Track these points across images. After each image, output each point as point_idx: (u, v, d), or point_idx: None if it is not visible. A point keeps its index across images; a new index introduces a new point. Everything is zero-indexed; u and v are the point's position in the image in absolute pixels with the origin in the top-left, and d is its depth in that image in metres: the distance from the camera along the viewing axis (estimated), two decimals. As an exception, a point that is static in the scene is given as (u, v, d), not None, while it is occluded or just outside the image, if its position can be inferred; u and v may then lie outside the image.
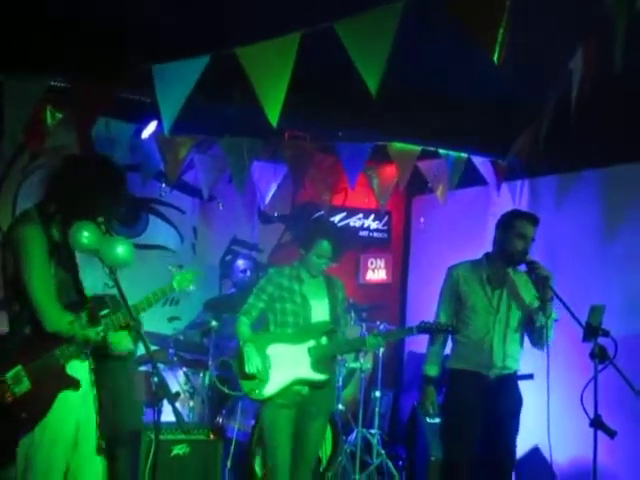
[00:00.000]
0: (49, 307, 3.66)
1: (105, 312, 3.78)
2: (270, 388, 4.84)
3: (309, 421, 4.95)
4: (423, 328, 4.94)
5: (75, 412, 3.75)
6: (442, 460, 5.12)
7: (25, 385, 3.63)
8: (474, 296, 4.91)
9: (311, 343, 4.90)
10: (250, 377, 4.84)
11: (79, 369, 3.77)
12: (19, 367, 3.62)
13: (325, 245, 4.86)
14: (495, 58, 3.96)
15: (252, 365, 4.82)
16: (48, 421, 3.65)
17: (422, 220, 7.70)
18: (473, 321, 4.89)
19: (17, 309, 3.73)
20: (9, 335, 3.75)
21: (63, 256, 3.82)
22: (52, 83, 5.34)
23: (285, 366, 4.85)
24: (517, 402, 4.93)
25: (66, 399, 3.70)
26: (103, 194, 3.80)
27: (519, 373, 5.00)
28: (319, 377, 4.90)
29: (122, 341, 3.80)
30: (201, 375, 6.52)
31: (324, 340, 4.92)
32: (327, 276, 5.07)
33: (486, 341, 4.84)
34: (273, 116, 4.53)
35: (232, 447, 5.81)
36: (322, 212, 7.75)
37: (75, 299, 3.85)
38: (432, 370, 4.97)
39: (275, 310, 4.96)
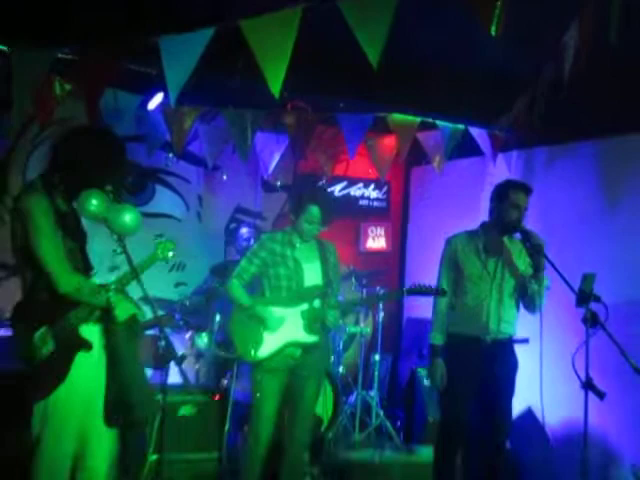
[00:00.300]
0: (61, 269, 3.66)
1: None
2: (264, 350, 4.82)
3: (302, 383, 4.92)
4: (412, 290, 4.95)
5: (89, 380, 3.76)
6: (439, 421, 5.14)
7: (50, 346, 3.66)
8: (471, 265, 4.91)
9: (304, 306, 4.88)
10: (245, 341, 4.84)
11: (91, 333, 3.77)
12: (44, 328, 3.65)
13: (315, 211, 4.82)
14: (492, 31, 3.93)
15: (274, 322, 4.82)
16: (63, 389, 3.67)
17: (224, 176, 7.57)
18: (470, 289, 4.89)
19: (29, 277, 3.74)
20: (27, 300, 3.76)
21: (69, 225, 3.81)
22: (60, 55, 5.30)
23: (280, 329, 4.84)
24: (513, 366, 4.94)
25: (81, 365, 3.71)
26: (103, 163, 3.80)
27: (515, 338, 5.00)
28: (311, 339, 4.89)
29: (124, 307, 3.80)
30: (204, 338, 6.53)
31: (317, 303, 4.89)
32: (319, 240, 5.04)
33: (483, 307, 4.85)
34: (275, 88, 4.51)
35: (229, 408, 5.80)
36: (323, 181, 7.74)
37: (82, 266, 3.85)
38: (438, 338, 4.94)
39: (269, 275, 4.93)
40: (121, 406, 3.80)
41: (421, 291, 4.94)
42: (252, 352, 4.82)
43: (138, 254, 3.86)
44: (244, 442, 5.05)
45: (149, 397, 3.84)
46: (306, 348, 4.89)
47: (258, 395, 4.86)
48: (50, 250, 3.66)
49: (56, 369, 3.67)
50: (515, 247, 4.94)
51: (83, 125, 4.12)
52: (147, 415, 3.86)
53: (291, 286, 4.90)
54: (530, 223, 4.91)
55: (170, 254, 3.99)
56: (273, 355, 4.82)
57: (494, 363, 4.84)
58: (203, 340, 6.50)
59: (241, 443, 5.52)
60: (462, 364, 4.84)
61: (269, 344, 4.84)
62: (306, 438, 5.03)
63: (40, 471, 3.70)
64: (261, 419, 4.84)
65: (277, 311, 4.86)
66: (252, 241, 6.96)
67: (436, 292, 4.92)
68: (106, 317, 3.80)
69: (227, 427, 5.71)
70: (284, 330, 4.84)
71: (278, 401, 4.87)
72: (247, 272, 4.97)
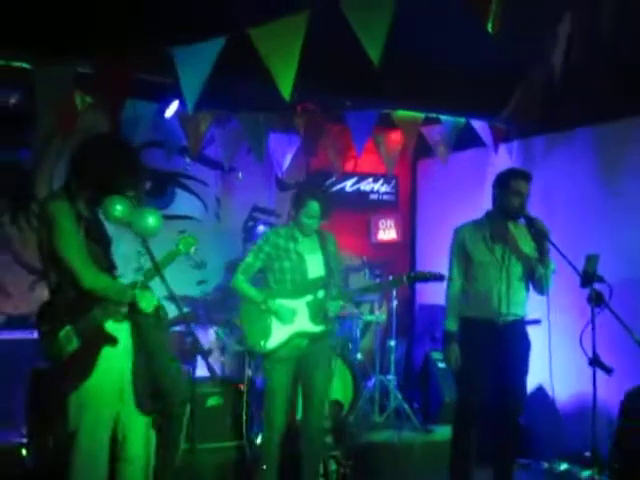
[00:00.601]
0: (83, 267, 3.71)
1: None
2: (273, 341, 4.85)
3: (311, 372, 4.93)
4: (414, 277, 4.98)
5: (119, 369, 3.81)
6: (456, 401, 5.15)
7: (75, 344, 3.70)
8: (479, 252, 4.91)
9: (309, 297, 4.90)
10: (258, 333, 4.87)
11: (119, 330, 3.82)
12: (69, 327, 3.70)
13: (314, 206, 4.82)
14: (490, 27, 3.94)
15: (289, 316, 4.85)
16: (94, 378, 3.71)
17: (240, 176, 7.57)
18: (481, 275, 4.90)
19: (54, 280, 3.78)
20: (51, 300, 3.81)
21: (92, 230, 3.86)
22: (80, 69, 5.34)
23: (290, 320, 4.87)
24: (526, 346, 4.94)
25: (109, 357, 3.75)
26: (117, 170, 3.84)
27: (527, 319, 5.01)
28: (318, 329, 4.90)
29: (147, 298, 3.84)
30: (220, 332, 6.55)
31: (321, 294, 4.90)
32: (319, 232, 5.03)
33: (493, 291, 4.85)
34: (286, 91, 4.53)
35: (245, 397, 5.83)
36: (334, 178, 7.76)
37: (106, 267, 3.89)
38: (452, 325, 4.95)
39: (274, 269, 4.94)
40: (153, 393, 3.85)
41: (422, 277, 4.96)
42: (262, 343, 4.84)
43: (162, 254, 3.90)
44: (262, 432, 5.05)
45: (180, 384, 3.88)
46: (312, 338, 4.91)
47: (269, 384, 4.88)
48: (73, 249, 3.71)
49: (83, 364, 3.71)
50: (520, 232, 4.94)
51: (97, 135, 4.17)
52: (180, 401, 3.89)
53: (295, 278, 4.91)
54: (533, 209, 4.92)
55: (192, 249, 4.04)
56: (281, 346, 4.85)
57: (507, 344, 4.85)
58: (223, 334, 6.54)
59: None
60: (477, 347, 4.85)
61: (277, 335, 4.86)
62: (322, 423, 5.05)
63: (78, 463, 3.74)
64: (274, 407, 4.86)
65: (286, 303, 4.88)
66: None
67: (436, 278, 4.94)
68: (132, 312, 3.85)
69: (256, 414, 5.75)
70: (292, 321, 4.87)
71: (288, 389, 4.90)
72: (253, 267, 4.98)
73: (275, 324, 4.87)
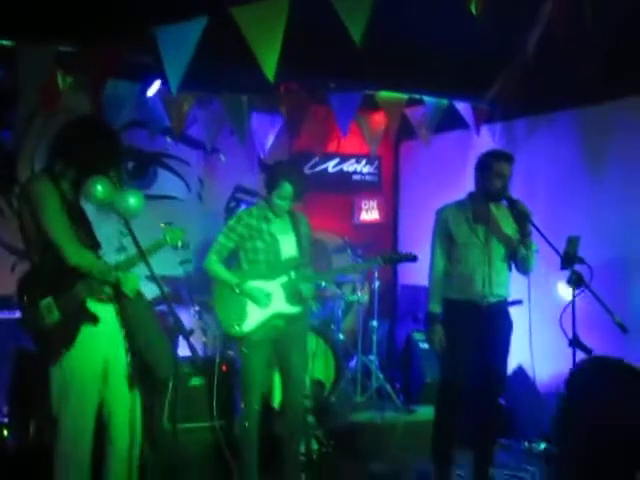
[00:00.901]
0: (69, 243, 3.74)
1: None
2: (249, 324, 4.82)
3: (289, 353, 4.92)
4: (388, 258, 4.99)
5: (102, 350, 3.84)
6: (440, 382, 5.16)
7: (55, 315, 3.74)
8: (462, 233, 4.92)
9: (283, 278, 4.89)
10: (233, 316, 4.83)
11: (105, 311, 3.82)
12: (50, 298, 3.73)
13: (287, 187, 4.79)
14: (473, 9, 3.93)
15: (264, 300, 4.82)
16: (76, 356, 3.75)
17: (222, 157, 7.58)
18: (465, 256, 4.90)
19: (37, 259, 3.80)
20: (34, 272, 3.84)
21: (74, 211, 3.86)
22: (62, 48, 5.29)
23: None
24: (508, 327, 4.97)
25: (91, 335, 3.78)
26: (98, 151, 3.88)
27: (509, 300, 5.03)
28: (294, 310, 4.90)
29: (131, 281, 3.85)
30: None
31: (294, 274, 4.89)
32: (292, 212, 5.00)
33: (477, 273, 4.86)
34: (269, 72, 4.51)
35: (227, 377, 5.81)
36: (317, 159, 7.74)
37: (90, 246, 3.89)
38: (436, 307, 4.96)
39: (246, 249, 4.90)
40: (142, 368, 3.87)
41: (396, 259, 4.99)
42: (237, 327, 4.80)
43: (145, 237, 3.89)
44: (240, 415, 5.01)
45: (168, 357, 3.91)
46: (289, 319, 4.90)
47: (246, 366, 4.85)
48: (59, 226, 3.74)
49: (62, 338, 3.74)
50: (502, 214, 4.95)
51: (79, 117, 4.18)
52: (168, 374, 3.93)
53: (269, 259, 4.88)
54: (515, 191, 4.93)
55: (179, 243, 4.05)
56: (258, 328, 4.82)
57: (490, 325, 4.87)
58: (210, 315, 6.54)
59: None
60: (461, 328, 4.87)
61: (254, 317, 4.83)
62: (302, 403, 5.05)
63: (62, 444, 3.76)
64: (252, 389, 4.84)
65: (258, 284, 4.85)
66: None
67: (409, 258, 4.97)
68: (116, 294, 3.86)
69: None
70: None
71: (265, 371, 4.90)
72: (225, 248, 4.92)
73: (250, 306, 4.84)
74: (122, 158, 4.08)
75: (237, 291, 4.83)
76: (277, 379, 5.40)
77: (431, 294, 5.00)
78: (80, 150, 3.83)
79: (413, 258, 4.97)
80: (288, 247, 4.94)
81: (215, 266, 4.92)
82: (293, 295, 4.88)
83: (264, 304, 4.82)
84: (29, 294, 3.78)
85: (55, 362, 3.74)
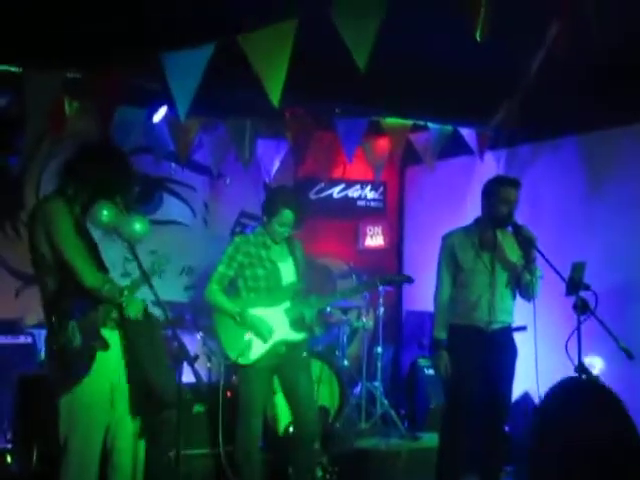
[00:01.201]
0: (84, 263, 3.72)
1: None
2: (256, 352, 4.77)
3: (296, 377, 4.88)
4: (384, 280, 4.99)
5: (110, 375, 3.82)
6: (445, 408, 5.13)
7: (78, 340, 3.70)
8: (468, 260, 4.90)
9: (286, 304, 4.86)
10: (237, 344, 4.78)
11: (111, 336, 3.81)
12: (73, 322, 3.69)
13: (287, 214, 4.77)
14: (478, 36, 3.94)
15: (267, 334, 4.79)
16: (87, 382, 3.72)
17: (227, 181, 7.58)
18: (470, 283, 4.88)
19: (51, 281, 3.78)
20: (59, 294, 3.80)
21: (84, 234, 3.87)
22: (69, 75, 5.32)
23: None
24: (512, 353, 4.95)
25: (103, 361, 3.76)
26: (112, 178, 3.89)
27: (513, 326, 5.01)
28: (299, 336, 4.88)
29: (136, 305, 3.82)
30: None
31: (296, 300, 4.87)
32: (288, 238, 4.97)
33: (482, 299, 4.84)
34: (275, 97, 4.52)
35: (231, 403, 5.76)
36: (322, 184, 7.76)
37: (100, 269, 3.89)
38: (441, 333, 4.93)
39: (246, 277, 4.86)
40: (146, 395, 3.84)
41: (392, 281, 4.99)
42: (243, 356, 4.74)
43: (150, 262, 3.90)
44: (239, 441, 4.92)
45: (170, 387, 3.89)
46: (292, 345, 4.87)
47: (248, 393, 4.82)
48: (73, 246, 3.73)
49: (80, 364, 3.72)
50: (508, 240, 4.94)
51: (93, 143, 4.20)
52: (168, 404, 3.91)
53: (269, 286, 4.85)
54: (520, 216, 4.92)
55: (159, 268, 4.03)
56: (263, 356, 4.78)
57: (495, 351, 4.85)
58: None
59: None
60: (466, 354, 4.84)
61: (260, 345, 4.79)
62: (314, 428, 4.98)
63: (70, 468, 3.74)
64: (253, 416, 4.80)
65: (261, 312, 4.81)
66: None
67: (406, 280, 4.97)
68: (121, 318, 3.84)
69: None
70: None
71: (265, 398, 4.88)
72: (226, 277, 4.87)
73: (254, 335, 4.81)
74: (134, 182, 4.09)
75: (239, 320, 4.79)
76: (281, 404, 5.36)
77: (437, 320, 4.98)
78: (97, 173, 3.84)
79: (408, 280, 5.00)
80: (287, 273, 4.92)
81: (217, 295, 4.87)
82: (296, 321, 4.86)
83: (266, 338, 4.78)
84: (57, 315, 3.74)
85: (70, 387, 3.71)
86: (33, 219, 3.85)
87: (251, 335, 4.79)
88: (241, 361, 4.78)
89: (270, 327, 4.79)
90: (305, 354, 5.04)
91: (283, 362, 4.85)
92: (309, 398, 4.95)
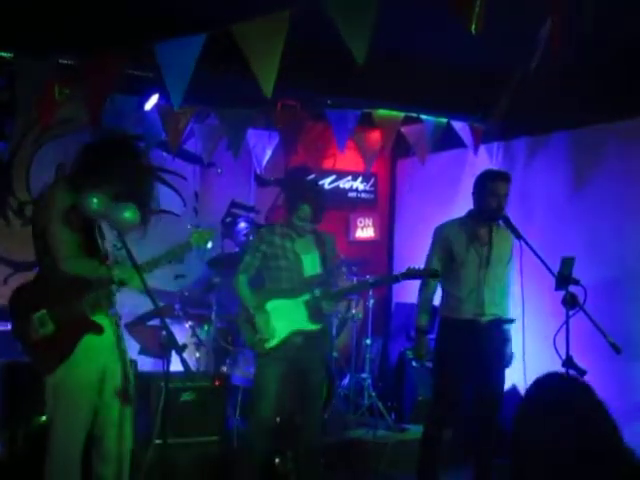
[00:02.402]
0: (65, 248, 3.72)
1: None
2: (273, 341, 4.83)
3: (307, 370, 4.93)
4: (406, 274, 4.94)
5: (100, 361, 3.84)
6: (432, 399, 5.14)
7: (49, 328, 3.73)
8: (464, 253, 4.91)
9: (306, 296, 4.89)
10: (255, 332, 4.85)
11: (105, 323, 3.83)
12: (44, 311, 3.72)
13: (306, 209, 4.80)
14: (472, 29, 3.94)
15: (268, 333, 4.84)
16: (72, 365, 3.74)
17: (219, 170, 7.58)
18: (464, 275, 4.90)
19: (47, 262, 3.78)
20: (32, 284, 3.85)
21: (88, 223, 3.86)
22: (60, 61, 5.30)
23: (284, 319, 4.84)
24: (502, 343, 4.97)
25: (90, 346, 3.77)
26: (135, 181, 3.89)
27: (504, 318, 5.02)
28: (315, 327, 4.90)
29: (131, 278, 3.81)
30: (205, 328, 6.57)
31: (317, 292, 4.89)
32: (315, 232, 5.00)
33: (476, 292, 4.86)
34: (267, 88, 4.52)
35: (221, 392, 5.87)
36: (313, 175, 7.75)
37: (100, 257, 3.89)
38: (424, 320, 4.99)
39: (270, 267, 4.91)
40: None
41: (414, 274, 4.93)
42: (264, 343, 4.81)
43: (141, 251, 3.90)
44: (247, 426, 5.02)
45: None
46: (308, 336, 4.89)
47: (261, 381, 4.87)
48: (60, 229, 3.72)
49: (59, 348, 3.73)
50: (499, 233, 4.96)
51: (119, 135, 4.17)
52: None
53: (292, 277, 4.88)
54: (511, 211, 4.94)
55: (207, 245, 4.16)
56: (280, 344, 4.82)
57: (486, 344, 4.87)
58: (204, 331, 6.53)
59: (243, 427, 5.54)
60: (456, 346, 4.87)
61: (277, 334, 4.83)
62: (319, 420, 5.07)
63: (54, 451, 3.76)
64: (265, 404, 4.84)
65: (281, 302, 4.86)
66: (251, 236, 6.94)
67: (428, 274, 4.93)
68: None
69: (238, 411, 5.78)
70: (290, 320, 4.84)
71: (279, 387, 4.88)
72: (252, 266, 4.94)
73: (275, 323, 4.84)
74: (152, 192, 4.07)
75: (252, 313, 4.86)
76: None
77: (420, 309, 5.02)
78: (117, 175, 3.81)
79: (433, 273, 4.91)
80: (311, 265, 4.94)
81: (240, 285, 4.94)
82: (315, 312, 4.88)
83: (281, 320, 4.83)
84: (21, 306, 3.78)
85: (50, 371, 3.73)
86: (38, 199, 3.91)
87: (271, 323, 4.84)
88: (260, 349, 4.85)
89: (273, 331, 4.83)
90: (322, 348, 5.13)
91: (299, 355, 4.87)
92: (316, 397, 5.03)
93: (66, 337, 3.74)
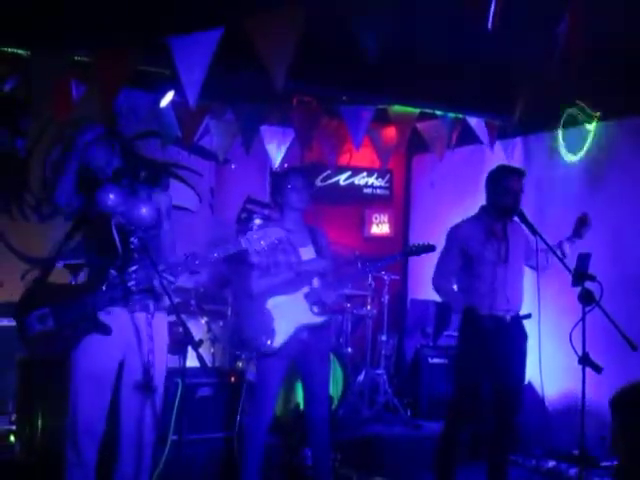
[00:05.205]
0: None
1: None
2: (279, 339, 4.77)
3: (313, 365, 4.91)
4: (409, 252, 5.02)
5: (114, 355, 3.88)
6: (452, 396, 5.12)
7: (50, 324, 3.76)
8: (481, 250, 4.88)
9: (305, 289, 4.87)
10: (259, 331, 4.81)
11: (119, 317, 3.85)
12: (46, 309, 3.76)
13: (296, 176, 4.84)
14: (489, 25, 3.93)
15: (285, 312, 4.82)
16: (80, 359, 3.81)
17: (232, 166, 7.59)
18: (483, 272, 4.87)
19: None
20: (35, 286, 3.96)
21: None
22: (76, 58, 5.31)
23: (288, 316, 4.80)
24: (524, 339, 4.96)
25: (101, 340, 3.78)
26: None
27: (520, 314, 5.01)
28: (319, 320, 4.87)
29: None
30: (221, 324, 6.57)
31: (316, 283, 4.88)
32: (308, 226, 5.01)
33: (494, 288, 4.84)
34: (280, 84, 4.51)
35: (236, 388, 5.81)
36: (329, 171, 7.75)
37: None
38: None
39: (268, 262, 4.87)
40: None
41: (415, 250, 4.98)
42: (268, 342, 4.76)
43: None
44: (247, 422, 5.01)
45: None
46: (313, 329, 4.87)
47: (264, 377, 4.84)
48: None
49: (61, 345, 3.79)
50: (514, 229, 4.94)
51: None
52: None
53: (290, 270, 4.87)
54: (527, 206, 4.92)
55: None
56: (287, 342, 4.79)
57: (507, 338, 4.86)
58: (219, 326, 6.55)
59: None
60: (477, 342, 4.82)
61: (283, 332, 4.79)
62: (328, 416, 5.03)
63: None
64: (266, 399, 4.83)
65: (282, 298, 4.82)
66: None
67: (430, 248, 4.98)
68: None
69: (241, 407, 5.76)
70: (293, 316, 4.81)
71: (281, 383, 4.89)
72: (262, 262, 4.89)
73: (278, 321, 4.80)
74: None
75: (260, 303, 4.82)
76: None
77: (452, 299, 5.07)
78: None
79: (433, 248, 4.98)
80: (307, 258, 4.92)
81: (253, 280, 4.90)
82: (316, 305, 4.86)
83: (284, 316, 4.80)
84: (25, 305, 3.83)
85: (60, 365, 3.83)
86: None
87: (275, 321, 4.80)
88: (264, 349, 4.79)
89: (278, 330, 4.79)
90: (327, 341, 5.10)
91: (305, 349, 4.85)
92: (324, 392, 5.01)
93: (67, 334, 3.78)
